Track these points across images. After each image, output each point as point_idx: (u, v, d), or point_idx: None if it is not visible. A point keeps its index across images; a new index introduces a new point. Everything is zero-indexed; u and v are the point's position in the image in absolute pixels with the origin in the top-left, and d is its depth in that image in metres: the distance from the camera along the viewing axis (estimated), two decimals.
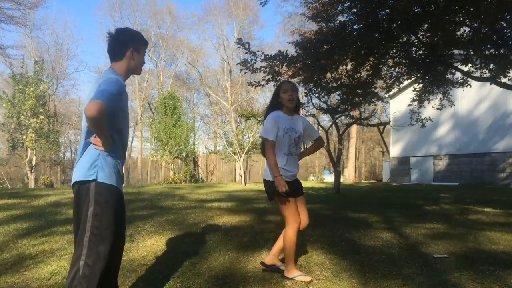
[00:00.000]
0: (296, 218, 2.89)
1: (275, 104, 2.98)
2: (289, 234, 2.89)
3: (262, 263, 3.17)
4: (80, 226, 2.03)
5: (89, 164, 2.04)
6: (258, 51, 7.49)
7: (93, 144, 2.05)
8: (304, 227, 3.03)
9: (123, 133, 2.17)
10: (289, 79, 8.23)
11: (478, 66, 7.80)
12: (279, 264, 3.12)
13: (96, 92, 1.93)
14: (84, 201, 2.03)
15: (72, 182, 2.12)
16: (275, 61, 7.42)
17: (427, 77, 8.38)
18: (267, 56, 7.40)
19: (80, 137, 2.18)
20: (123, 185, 2.35)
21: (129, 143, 35.63)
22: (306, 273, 3.00)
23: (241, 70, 7.83)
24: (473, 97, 16.63)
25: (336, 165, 11.93)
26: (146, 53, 2.44)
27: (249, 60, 7.38)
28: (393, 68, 8.77)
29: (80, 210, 2.06)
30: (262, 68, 7.57)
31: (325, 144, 12.27)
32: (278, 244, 3.09)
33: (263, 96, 34.47)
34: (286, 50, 7.36)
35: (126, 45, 2.16)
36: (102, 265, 2.00)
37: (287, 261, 2.96)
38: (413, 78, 9.16)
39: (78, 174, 2.06)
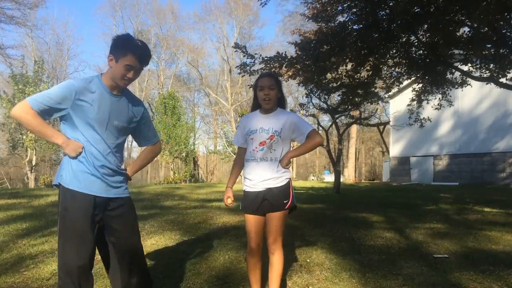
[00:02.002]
0: (249, 236, 2.41)
1: (254, 104, 2.52)
2: None
3: None
4: None
5: (60, 169, 2.01)
6: (256, 53, 7.50)
7: None
8: (271, 248, 2.41)
9: (91, 137, 1.95)
10: (289, 79, 8.24)
11: (478, 66, 7.81)
12: None
13: None
14: None
15: None
16: (274, 63, 7.43)
17: (427, 77, 8.38)
18: (266, 59, 7.40)
19: None
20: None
21: (128, 143, 35.99)
22: None
23: (239, 73, 7.85)
24: (474, 96, 16.60)
25: (336, 165, 11.93)
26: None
27: (247, 63, 7.40)
28: (393, 68, 8.78)
29: None
30: (261, 71, 7.57)
31: (324, 143, 12.25)
32: None
33: None
34: (285, 52, 7.37)
35: (110, 51, 1.94)
36: (73, 272, 1.88)
37: None
38: (413, 78, 9.16)
39: None
